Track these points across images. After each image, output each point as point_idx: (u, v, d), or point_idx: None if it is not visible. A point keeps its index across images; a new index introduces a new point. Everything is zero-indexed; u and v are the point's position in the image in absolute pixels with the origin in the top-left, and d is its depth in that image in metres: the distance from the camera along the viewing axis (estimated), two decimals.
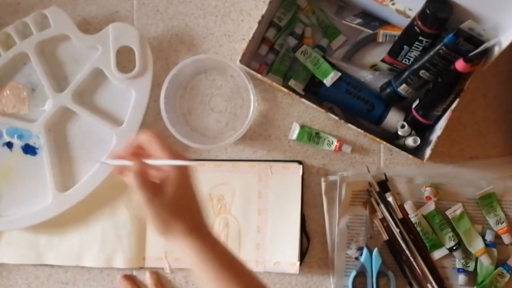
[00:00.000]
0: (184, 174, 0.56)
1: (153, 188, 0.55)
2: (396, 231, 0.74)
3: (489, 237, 0.75)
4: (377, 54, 0.75)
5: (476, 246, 0.74)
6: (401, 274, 0.75)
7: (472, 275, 0.75)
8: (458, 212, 0.75)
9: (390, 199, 0.75)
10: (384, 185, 0.76)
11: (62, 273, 0.80)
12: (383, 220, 0.75)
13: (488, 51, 0.65)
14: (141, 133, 0.57)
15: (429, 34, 0.66)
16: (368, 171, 0.76)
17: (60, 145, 0.78)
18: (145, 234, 0.78)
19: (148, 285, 0.78)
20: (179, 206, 0.56)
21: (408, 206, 0.75)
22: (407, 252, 0.74)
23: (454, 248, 0.74)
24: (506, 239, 0.75)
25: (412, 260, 0.74)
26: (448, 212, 0.75)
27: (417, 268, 0.74)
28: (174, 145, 0.78)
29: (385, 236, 0.75)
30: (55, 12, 0.76)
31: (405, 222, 0.75)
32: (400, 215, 0.75)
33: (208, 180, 0.78)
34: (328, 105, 0.77)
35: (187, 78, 0.79)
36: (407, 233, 0.74)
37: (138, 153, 0.57)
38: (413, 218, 0.75)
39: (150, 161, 0.56)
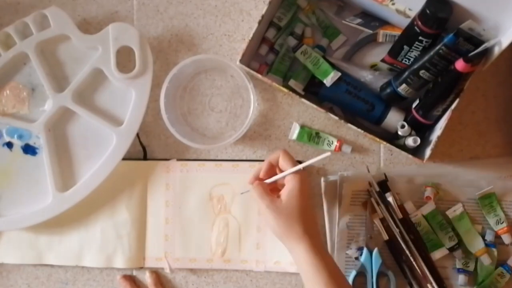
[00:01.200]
0: (298, 185, 0.65)
1: (271, 197, 0.66)
2: (396, 231, 0.74)
3: (489, 237, 0.75)
4: (377, 54, 0.75)
5: (476, 246, 0.74)
6: (401, 274, 0.75)
7: (472, 275, 0.75)
8: (458, 212, 0.75)
9: (390, 199, 0.75)
10: (384, 185, 0.76)
11: (62, 273, 0.80)
12: (383, 220, 0.75)
13: (488, 51, 0.65)
14: (274, 153, 0.70)
15: (429, 34, 0.66)
16: (368, 171, 0.76)
17: (60, 145, 0.78)
18: (145, 234, 0.78)
19: (147, 285, 0.78)
20: (292, 212, 0.64)
21: (408, 206, 0.75)
22: (407, 252, 0.74)
23: (454, 248, 0.74)
24: (506, 239, 0.75)
25: (412, 260, 0.74)
26: (448, 212, 0.75)
27: (417, 268, 0.74)
28: (174, 145, 0.78)
29: (385, 236, 0.75)
30: (55, 12, 0.76)
31: (405, 222, 0.75)
32: (400, 215, 0.75)
33: (208, 180, 0.78)
34: (328, 105, 0.77)
35: (187, 78, 0.79)
36: (407, 233, 0.74)
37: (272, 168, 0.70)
38: (413, 218, 0.75)
39: (268, 180, 0.69)
